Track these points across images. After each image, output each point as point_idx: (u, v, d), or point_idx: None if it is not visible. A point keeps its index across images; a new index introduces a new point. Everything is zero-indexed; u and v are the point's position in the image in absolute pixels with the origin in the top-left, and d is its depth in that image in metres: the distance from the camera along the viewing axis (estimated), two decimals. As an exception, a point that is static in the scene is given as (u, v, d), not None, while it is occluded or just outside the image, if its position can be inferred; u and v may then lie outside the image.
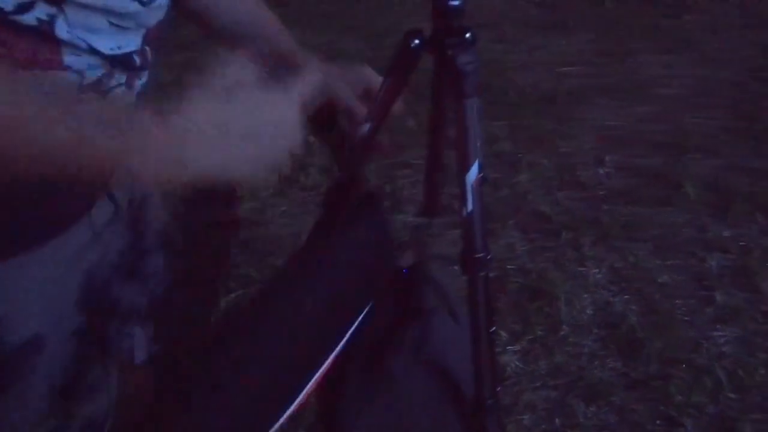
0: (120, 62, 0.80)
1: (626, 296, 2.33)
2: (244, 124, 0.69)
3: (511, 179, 2.78)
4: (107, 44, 0.78)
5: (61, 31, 0.72)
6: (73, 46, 0.74)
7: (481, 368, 1.00)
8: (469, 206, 0.95)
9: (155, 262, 1.09)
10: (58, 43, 0.73)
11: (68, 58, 0.75)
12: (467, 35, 0.95)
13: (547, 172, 2.84)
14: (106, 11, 0.75)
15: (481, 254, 0.97)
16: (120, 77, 0.82)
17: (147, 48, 0.84)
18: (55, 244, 0.86)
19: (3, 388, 0.86)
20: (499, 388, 1.02)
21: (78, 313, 0.92)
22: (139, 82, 0.86)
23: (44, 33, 0.71)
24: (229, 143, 0.68)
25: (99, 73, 0.78)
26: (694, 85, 3.42)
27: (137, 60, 0.83)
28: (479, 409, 1.01)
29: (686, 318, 2.26)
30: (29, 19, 0.69)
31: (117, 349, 1.02)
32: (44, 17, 0.70)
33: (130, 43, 0.80)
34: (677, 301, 2.31)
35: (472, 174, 0.96)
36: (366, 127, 1.07)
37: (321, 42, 3.58)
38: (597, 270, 2.41)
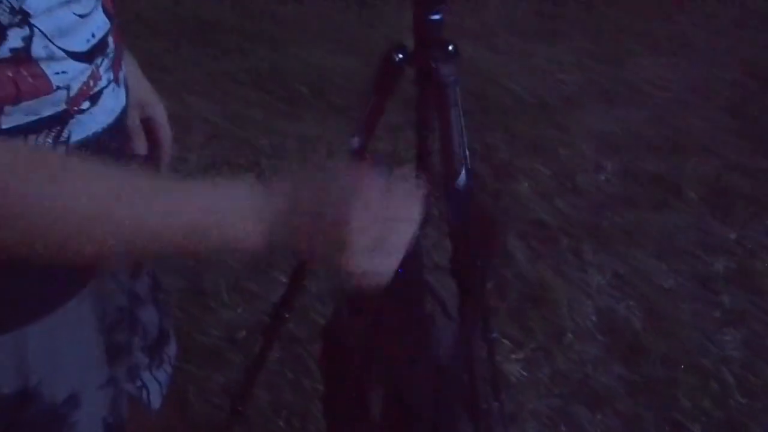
0: (99, 50, 0.78)
1: (630, 302, 2.30)
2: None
3: (510, 188, 2.75)
4: (82, 39, 0.75)
5: (38, 48, 0.70)
6: (53, 60, 0.72)
7: (475, 371, 0.99)
8: (458, 214, 0.95)
9: (149, 311, 1.07)
10: (36, 63, 0.71)
11: (53, 78, 0.72)
12: (449, 47, 0.97)
13: (546, 179, 2.82)
14: (68, 1, 0.72)
15: (473, 261, 0.96)
16: (107, 74, 0.80)
17: (109, 21, 0.81)
18: (78, 299, 0.84)
19: None
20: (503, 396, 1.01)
21: (105, 364, 0.91)
22: (121, 73, 0.85)
23: (21, 59, 0.69)
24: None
25: (84, 78, 0.76)
26: (690, 86, 3.40)
27: (111, 42, 0.81)
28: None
29: (691, 322, 2.23)
30: (3, 52, 0.67)
31: (135, 396, 1.01)
32: (20, 44, 0.68)
33: (97, 24, 0.78)
34: (682, 305, 2.29)
35: (461, 181, 0.95)
36: (355, 142, 1.07)
37: (312, 60, 3.57)
38: (599, 276, 2.38)
